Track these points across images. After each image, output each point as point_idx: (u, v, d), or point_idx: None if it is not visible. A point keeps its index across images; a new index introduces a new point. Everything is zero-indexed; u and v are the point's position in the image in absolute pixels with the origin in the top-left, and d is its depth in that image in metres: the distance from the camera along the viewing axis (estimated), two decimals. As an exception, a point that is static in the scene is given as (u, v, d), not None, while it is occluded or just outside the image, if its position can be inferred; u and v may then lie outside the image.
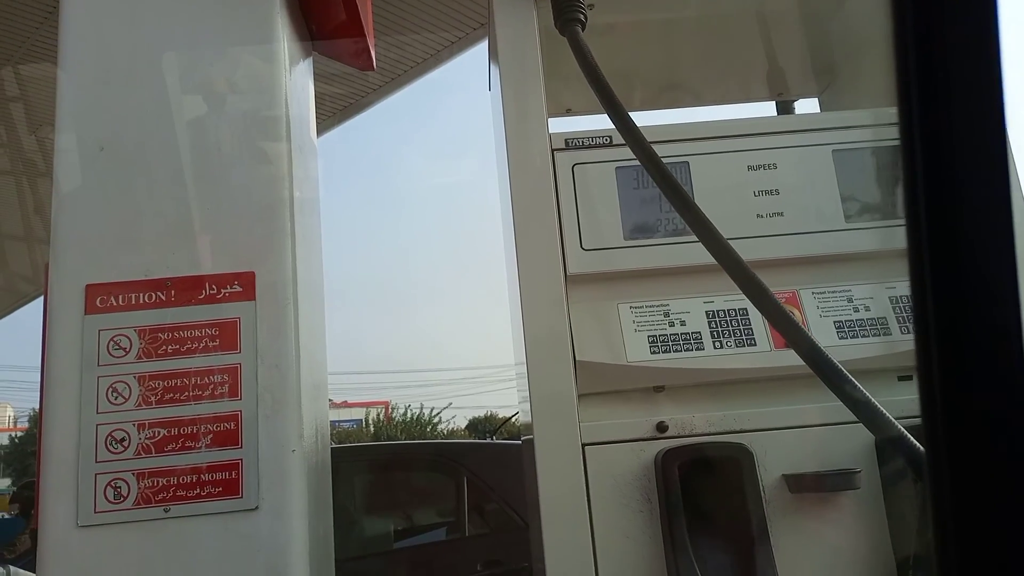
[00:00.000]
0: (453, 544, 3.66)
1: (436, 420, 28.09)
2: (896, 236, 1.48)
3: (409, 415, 28.30)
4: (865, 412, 0.95)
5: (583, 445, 1.35)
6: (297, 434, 1.35)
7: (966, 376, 0.41)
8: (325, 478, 1.66)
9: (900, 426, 0.91)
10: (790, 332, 1.04)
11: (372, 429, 26.94)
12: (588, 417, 1.38)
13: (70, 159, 1.43)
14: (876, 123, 1.56)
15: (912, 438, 0.89)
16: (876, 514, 1.33)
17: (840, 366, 0.98)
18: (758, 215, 1.46)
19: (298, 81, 1.69)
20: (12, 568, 1.69)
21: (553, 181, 1.44)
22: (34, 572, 1.59)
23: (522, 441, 1.90)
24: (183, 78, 1.51)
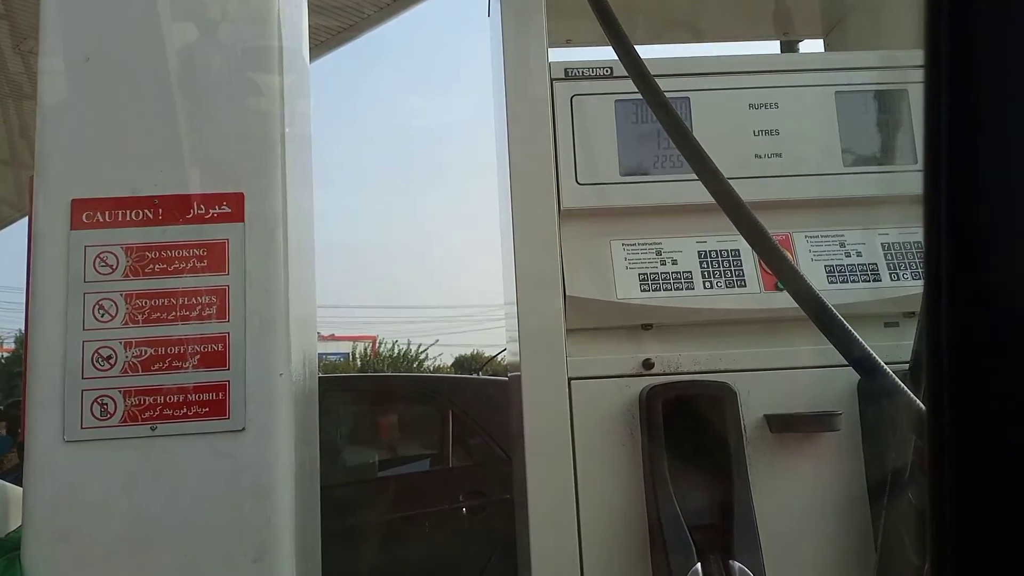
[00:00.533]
0: (436, 475, 3.73)
1: (423, 356, 28.33)
2: (894, 182, 1.47)
3: (396, 350, 28.50)
4: (858, 358, 0.95)
5: (569, 379, 1.37)
6: (285, 358, 1.35)
7: (978, 369, 0.39)
8: (312, 406, 1.67)
9: (892, 373, 0.92)
10: (786, 274, 1.03)
11: (359, 363, 27.12)
12: (575, 352, 1.38)
13: (55, 69, 1.39)
14: (881, 65, 1.53)
15: (905, 386, 0.90)
16: (853, 456, 1.35)
17: (835, 311, 0.98)
18: (756, 155, 1.44)
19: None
20: (0, 482, 1.71)
21: (551, 112, 1.41)
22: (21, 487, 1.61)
23: (509, 377, 1.91)
24: (172, -10, 1.46)
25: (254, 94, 1.45)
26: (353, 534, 3.18)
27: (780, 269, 1.03)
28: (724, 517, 1.27)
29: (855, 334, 0.95)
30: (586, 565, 1.32)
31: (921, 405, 0.84)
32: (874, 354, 0.93)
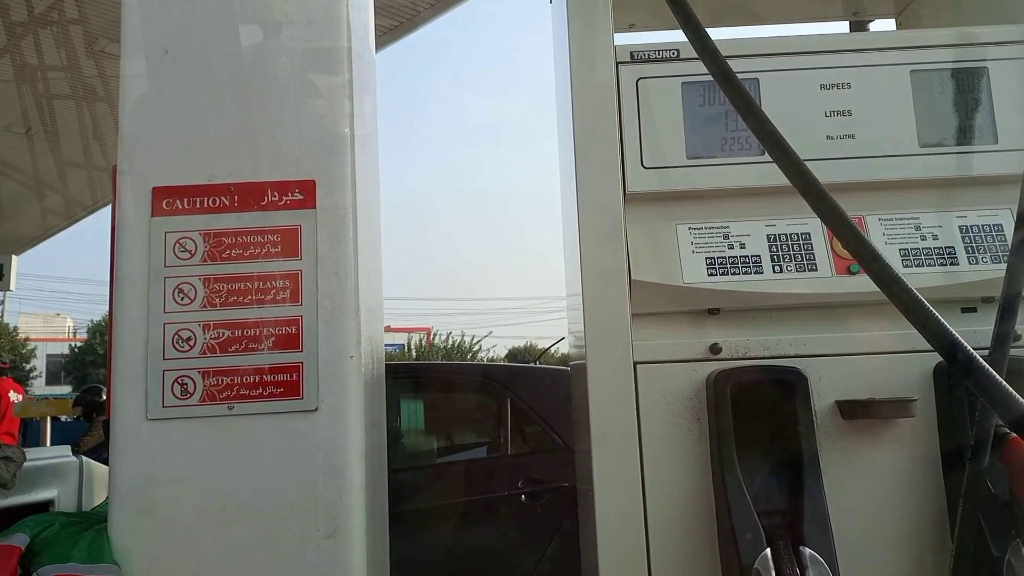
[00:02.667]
0: (495, 461, 3.76)
1: (476, 348, 28.54)
2: (972, 163, 1.42)
3: (451, 342, 28.78)
4: (943, 342, 0.92)
5: (635, 363, 1.36)
6: (355, 341, 1.38)
7: None
8: (380, 390, 1.70)
9: (981, 360, 0.89)
10: (866, 257, 1.00)
11: (414, 354, 27.48)
12: (641, 336, 1.38)
13: (136, 62, 1.44)
14: (959, 43, 1.48)
15: (992, 371, 0.87)
16: (929, 443, 1.32)
17: (918, 294, 0.95)
18: (828, 136, 1.41)
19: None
20: (84, 459, 1.80)
21: (616, 95, 1.41)
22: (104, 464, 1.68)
23: (571, 366, 1.91)
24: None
25: (324, 87, 1.48)
26: (415, 518, 3.23)
27: (859, 251, 1.00)
28: (794, 503, 1.26)
29: (940, 317, 0.92)
30: (652, 550, 1.32)
31: (1014, 392, 0.81)
32: (961, 339, 0.91)
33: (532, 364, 5.20)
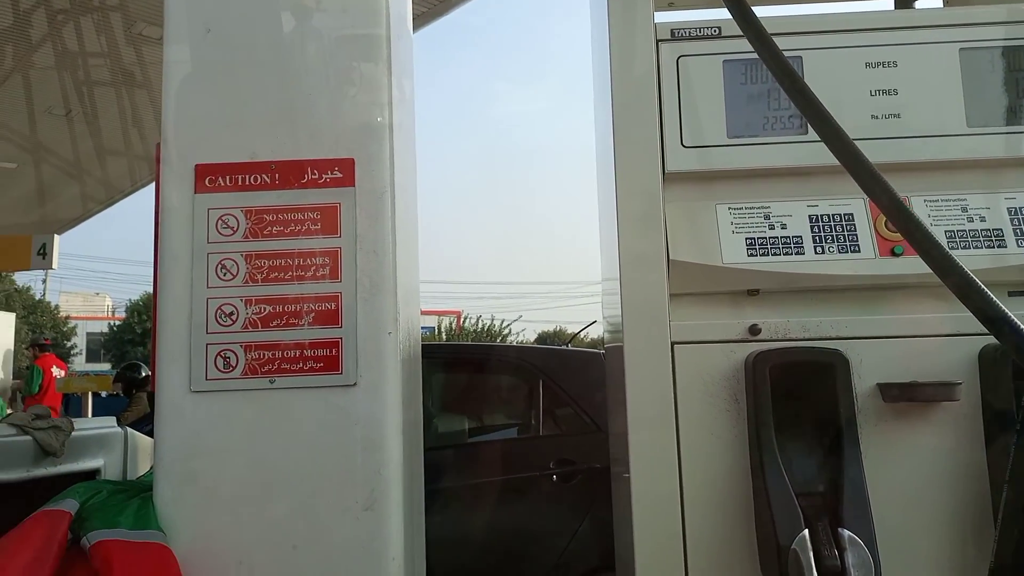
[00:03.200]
0: (527, 442, 3.78)
1: (506, 332, 28.61)
2: (1022, 144, 1.39)
3: (480, 325, 28.89)
4: (998, 324, 0.91)
5: (672, 344, 1.36)
6: (392, 318, 1.40)
7: None
8: (416, 368, 1.72)
9: None
10: (918, 237, 0.98)
11: (444, 337, 27.63)
12: (679, 317, 1.37)
13: (179, 41, 1.46)
14: (1010, 20, 1.44)
15: None
16: (973, 427, 1.30)
17: (972, 274, 0.93)
18: (873, 116, 1.39)
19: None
20: (129, 429, 1.85)
21: (656, 73, 1.39)
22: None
23: (607, 348, 1.91)
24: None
25: (362, 67, 1.48)
26: (448, 496, 3.27)
27: (910, 230, 0.98)
28: (833, 486, 1.25)
29: (994, 298, 0.91)
30: (688, 531, 1.32)
31: None
32: (1011, 314, 0.89)
33: (564, 347, 5.20)
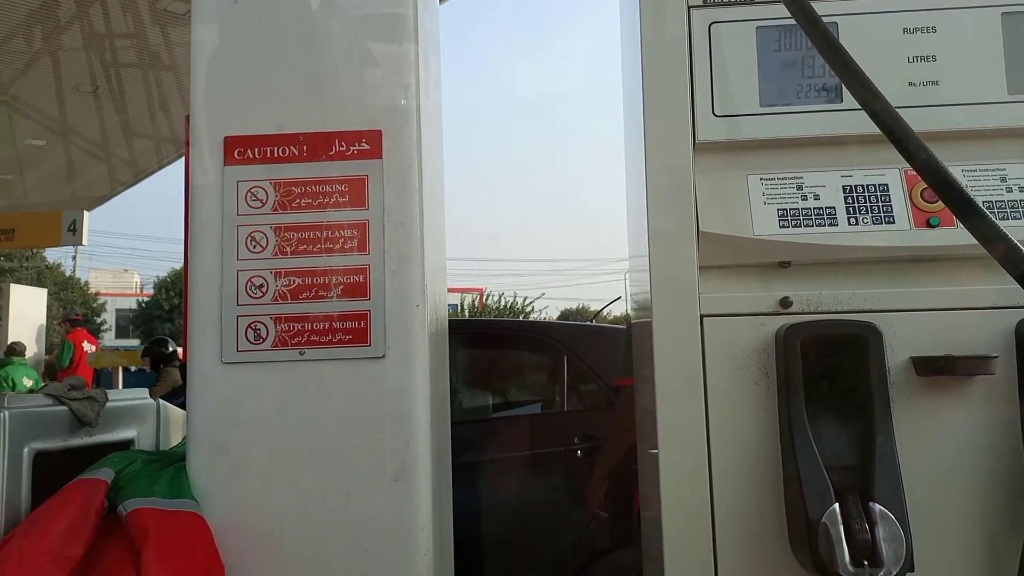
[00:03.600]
0: (551, 417, 3.79)
1: (529, 309, 28.61)
2: (1066, 111, 1.34)
3: (503, 303, 28.89)
4: None
5: (702, 316, 1.34)
6: (420, 291, 1.40)
7: None
8: (443, 342, 1.72)
9: None
10: (961, 207, 0.95)
11: (467, 314, 27.70)
12: (708, 289, 1.36)
13: (207, 12, 1.46)
14: (1056, -17, 1.39)
15: None
16: (1008, 402, 1.27)
17: (1017, 242, 0.90)
18: (910, 83, 1.35)
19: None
20: (161, 401, 1.88)
21: (687, 40, 1.37)
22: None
23: (634, 324, 1.90)
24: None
25: (389, 39, 1.47)
26: (472, 470, 3.29)
27: (953, 198, 0.95)
28: (864, 460, 1.23)
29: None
30: (716, 504, 1.32)
31: None
32: None
33: (589, 323, 5.19)
